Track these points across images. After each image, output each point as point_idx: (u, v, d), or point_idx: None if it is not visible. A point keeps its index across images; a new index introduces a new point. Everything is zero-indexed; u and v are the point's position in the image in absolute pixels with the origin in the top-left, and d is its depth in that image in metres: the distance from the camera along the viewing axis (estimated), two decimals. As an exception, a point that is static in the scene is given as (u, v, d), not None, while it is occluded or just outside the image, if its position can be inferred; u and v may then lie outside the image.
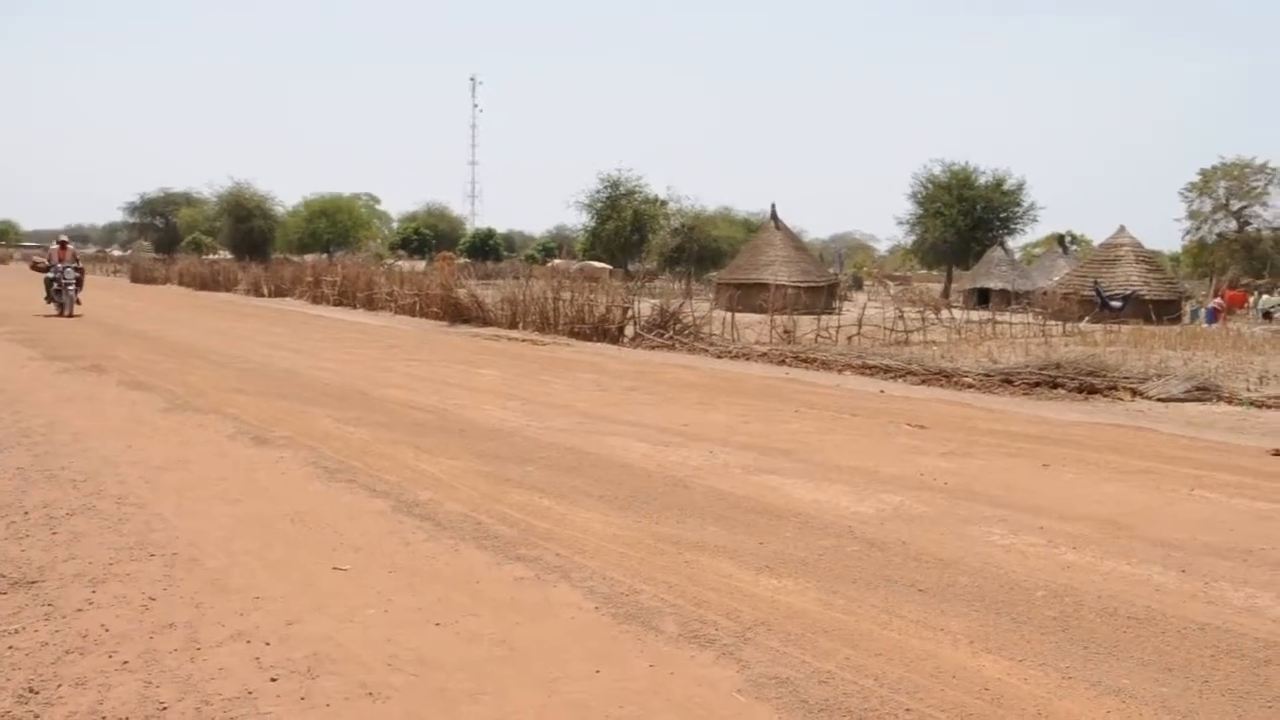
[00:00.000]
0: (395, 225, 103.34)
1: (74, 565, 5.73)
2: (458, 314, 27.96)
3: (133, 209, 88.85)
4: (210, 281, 50.10)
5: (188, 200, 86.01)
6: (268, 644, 4.64)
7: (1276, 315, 37.50)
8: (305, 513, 6.99)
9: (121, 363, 15.66)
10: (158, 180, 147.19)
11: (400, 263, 65.01)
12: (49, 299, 26.90)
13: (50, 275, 26.91)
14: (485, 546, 6.27)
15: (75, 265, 27.27)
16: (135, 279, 58.36)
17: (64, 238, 28.81)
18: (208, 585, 5.44)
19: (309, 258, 63.17)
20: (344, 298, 35.58)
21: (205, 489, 7.63)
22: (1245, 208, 58.80)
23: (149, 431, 9.96)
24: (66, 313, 26.06)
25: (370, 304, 33.81)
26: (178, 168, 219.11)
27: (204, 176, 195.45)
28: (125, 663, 4.43)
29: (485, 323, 26.85)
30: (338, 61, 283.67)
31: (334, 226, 74.89)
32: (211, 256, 73.46)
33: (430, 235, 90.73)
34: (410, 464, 8.67)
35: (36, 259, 28.51)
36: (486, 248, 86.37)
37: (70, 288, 26.46)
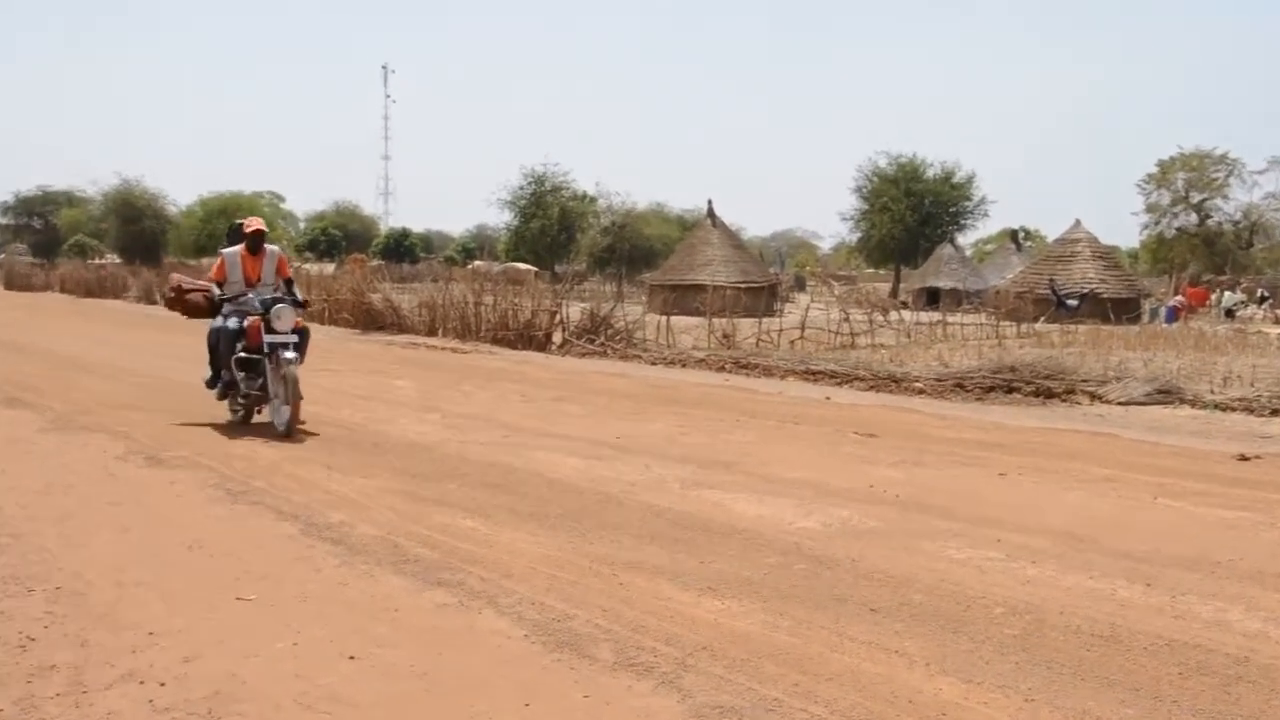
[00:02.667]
0: (302, 225, 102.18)
1: (-56, 602, 5.57)
2: (371, 320, 27.68)
3: (5, 209, 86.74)
4: (96, 288, 49.09)
5: (69, 200, 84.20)
6: (163, 684, 4.54)
7: (1239, 313, 38.41)
8: (205, 539, 6.86)
9: (-3, 378, 15.28)
10: (35, 177, 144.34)
11: (308, 266, 64.26)
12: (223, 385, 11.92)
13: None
14: (404, 571, 6.21)
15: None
16: (9, 286, 57.03)
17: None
18: (95, 621, 5.31)
19: (206, 261, 62.13)
20: (245, 304, 34.97)
21: (92, 515, 7.46)
22: (1205, 200, 60.15)
23: (25, 453, 9.73)
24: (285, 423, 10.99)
25: (274, 311, 33.29)
26: (58, 164, 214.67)
27: (87, 173, 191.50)
28: (0, 711, 4.30)
29: (401, 330, 26.61)
30: (235, 46, 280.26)
31: (234, 228, 73.84)
32: (98, 261, 72.06)
33: (340, 236, 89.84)
34: (320, 484, 8.57)
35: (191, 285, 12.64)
36: (402, 249, 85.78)
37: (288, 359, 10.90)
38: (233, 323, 11.02)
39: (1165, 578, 6.27)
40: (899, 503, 8.19)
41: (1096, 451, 10.69)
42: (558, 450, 10.19)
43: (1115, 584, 6.14)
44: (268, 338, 10.68)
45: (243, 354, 10.85)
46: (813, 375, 17.42)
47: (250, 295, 11.17)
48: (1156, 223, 61.88)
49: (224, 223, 72.22)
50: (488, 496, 8.19)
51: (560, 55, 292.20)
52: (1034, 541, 7.05)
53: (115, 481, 8.59)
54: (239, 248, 11.39)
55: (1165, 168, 60.74)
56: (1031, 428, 12.33)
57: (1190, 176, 60.04)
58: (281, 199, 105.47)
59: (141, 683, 4.55)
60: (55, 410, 12.19)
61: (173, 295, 12.14)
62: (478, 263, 54.58)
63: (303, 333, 11.12)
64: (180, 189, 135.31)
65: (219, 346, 11.12)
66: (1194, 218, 60.92)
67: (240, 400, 11.33)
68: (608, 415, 12.78)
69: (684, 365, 19.70)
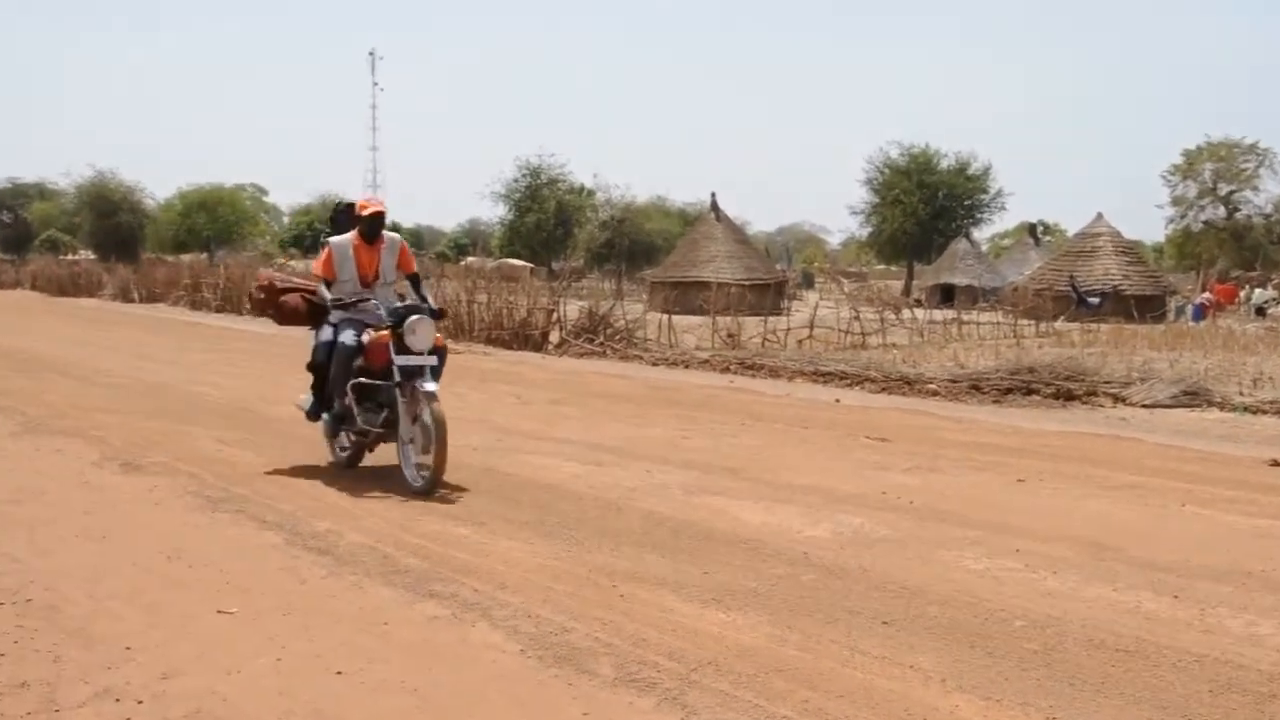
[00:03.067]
0: (286, 219, 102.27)
1: (-91, 615, 5.56)
2: (358, 319, 27.63)
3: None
4: (70, 285, 49.07)
5: (41, 193, 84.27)
6: (140, 702, 4.52)
7: (1270, 311, 38.37)
8: (184, 549, 6.84)
9: (-34, 379, 15.28)
10: (3, 169, 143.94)
11: (293, 262, 64.28)
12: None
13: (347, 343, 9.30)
14: (393, 582, 6.19)
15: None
16: (-23, 283, 57.06)
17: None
18: (69, 635, 5.30)
19: (186, 258, 62.19)
20: (228, 303, 35.03)
21: (65, 524, 7.44)
22: (1234, 192, 60.08)
23: (-2, 458, 9.72)
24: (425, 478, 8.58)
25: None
26: (28, 155, 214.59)
27: (60, 165, 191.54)
28: (-29, 727, 4.29)
29: (390, 329, 26.58)
30: (212, 31, 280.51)
31: (214, 222, 73.93)
32: (71, 257, 72.11)
33: (326, 231, 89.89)
34: (306, 490, 8.57)
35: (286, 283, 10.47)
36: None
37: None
38: (348, 336, 8.88)
39: (1194, 590, 6.25)
40: (913, 510, 8.18)
41: (1120, 456, 10.68)
42: (555, 455, 10.18)
43: (1141, 596, 6.12)
44: (399, 359, 8.40)
45: (363, 379, 8.78)
46: (822, 377, 17.43)
47: (371, 300, 9.03)
48: (1183, 216, 61.83)
49: (204, 217, 73.11)
50: (481, 503, 8.18)
51: (557, 41, 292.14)
52: (1055, 551, 7.04)
53: (90, 489, 8.58)
54: (350, 235, 9.20)
55: (1192, 158, 60.65)
56: (1051, 431, 12.32)
57: (1218, 167, 59.94)
58: (264, 192, 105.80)
59: (117, 700, 4.54)
60: (27, 414, 12.17)
61: (261, 296, 10.03)
62: (471, 259, 54.67)
63: (441, 353, 8.84)
64: (158, 182, 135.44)
65: (328, 366, 9.05)
66: (1222, 211, 60.85)
67: (351, 439, 9.38)
68: (607, 418, 12.78)
69: (687, 366, 19.69)
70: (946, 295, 49.46)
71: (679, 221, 66.76)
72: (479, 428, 11.73)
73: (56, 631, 5.35)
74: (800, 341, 23.71)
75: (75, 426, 11.36)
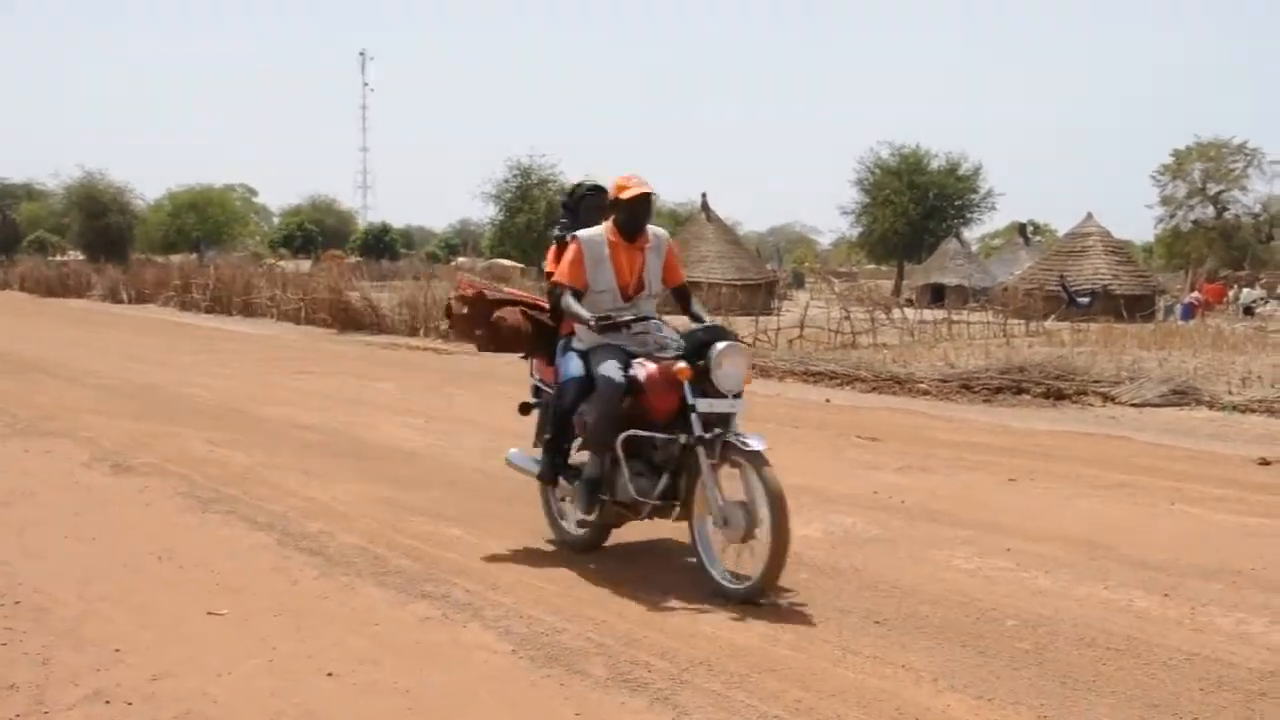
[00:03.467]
0: (276, 220, 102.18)
1: (-102, 617, 5.54)
2: (349, 320, 27.62)
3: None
4: (59, 286, 48.89)
5: (29, 193, 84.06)
6: (130, 704, 4.51)
7: (1259, 310, 38.50)
8: (175, 550, 6.83)
9: (-45, 381, 15.24)
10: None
11: (283, 263, 64.18)
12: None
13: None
14: (385, 583, 6.19)
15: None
16: (-36, 284, 56.85)
17: None
18: (58, 637, 5.28)
19: (175, 258, 61.98)
20: (218, 303, 34.96)
21: (54, 525, 7.42)
22: (1223, 192, 60.31)
23: (-13, 460, 9.69)
24: (752, 582, 5.99)
25: (249, 310, 33.30)
26: (15, 156, 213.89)
27: (48, 165, 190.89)
28: (-39, 730, 4.28)
29: (381, 330, 26.57)
30: (202, 29, 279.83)
31: (204, 222, 73.76)
32: (60, 258, 71.87)
33: (316, 231, 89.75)
34: (297, 491, 8.54)
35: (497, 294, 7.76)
36: (381, 245, 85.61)
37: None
38: (612, 369, 6.29)
39: (1185, 588, 6.26)
40: (904, 509, 8.19)
41: (1110, 455, 10.70)
42: (546, 455, 10.15)
43: (1132, 594, 6.14)
44: (703, 404, 6.00)
45: (640, 431, 6.28)
46: (812, 376, 17.41)
47: (652, 319, 6.70)
48: (1172, 216, 62.06)
49: (193, 218, 73.10)
50: (473, 504, 8.18)
51: (547, 41, 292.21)
52: (1046, 550, 7.05)
53: (80, 490, 8.56)
54: (604, 229, 6.67)
55: (1181, 158, 60.86)
56: (1042, 430, 12.34)
57: (1207, 167, 60.17)
58: (254, 192, 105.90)
59: (107, 702, 4.53)
60: (16, 415, 12.14)
61: (465, 310, 7.35)
62: (462, 259, 54.63)
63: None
64: (147, 182, 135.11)
65: (576, 408, 6.57)
66: (1211, 210, 61.06)
67: (610, 509, 6.56)
68: (598, 419, 12.74)
69: (678, 366, 19.63)
70: (937, 295, 49.45)
71: (670, 221, 66.63)
72: (471, 429, 11.72)
73: (46, 633, 5.34)
74: (791, 341, 23.70)
75: (65, 428, 11.32)
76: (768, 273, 47.25)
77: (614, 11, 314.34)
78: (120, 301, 41.85)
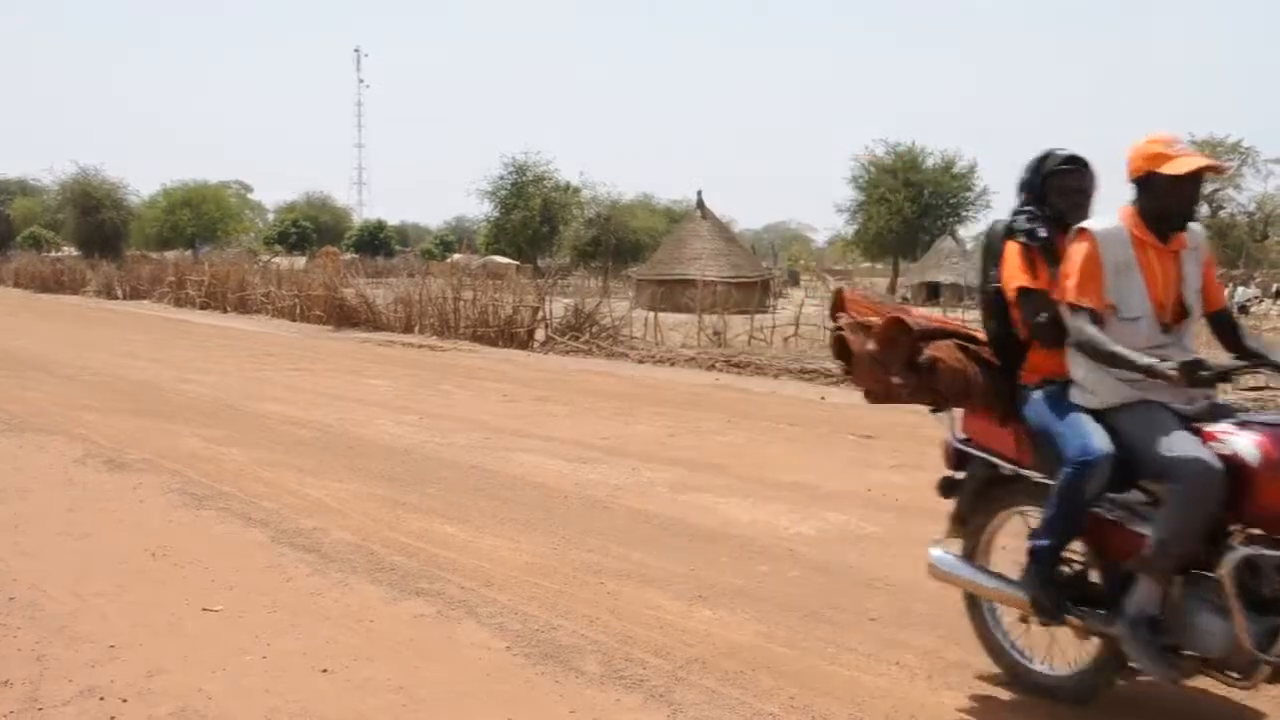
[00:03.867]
0: (270, 217, 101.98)
1: (-108, 614, 5.53)
2: (344, 317, 27.63)
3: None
4: (53, 282, 48.84)
5: (23, 189, 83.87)
6: (124, 700, 4.51)
7: (1253, 309, 38.50)
8: (169, 547, 6.82)
9: (-52, 377, 15.21)
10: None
11: (277, 259, 64.08)
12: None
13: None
14: (379, 580, 6.18)
15: None
16: (-42, 280, 56.76)
17: None
18: (52, 634, 5.28)
19: (170, 255, 61.80)
20: (212, 300, 34.96)
21: (48, 522, 7.41)
22: (1217, 191, 60.20)
23: (-20, 456, 9.68)
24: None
25: (243, 307, 33.28)
26: (10, 152, 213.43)
27: (42, 161, 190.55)
28: (-46, 726, 4.27)
29: (376, 326, 26.58)
30: (196, 27, 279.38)
31: (199, 219, 73.57)
32: (54, 254, 71.68)
33: (311, 228, 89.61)
34: (292, 488, 8.53)
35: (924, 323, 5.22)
36: (376, 242, 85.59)
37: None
38: (1193, 445, 4.02)
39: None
40: (899, 507, 8.19)
41: (1105, 453, 10.68)
42: (541, 453, 10.17)
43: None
44: None
45: (1266, 550, 3.85)
46: (807, 374, 17.41)
47: (1258, 365, 4.71)
48: (1168, 214, 61.94)
49: (188, 214, 73.05)
50: (468, 501, 8.17)
51: (543, 38, 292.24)
52: (1040, 547, 7.05)
53: (73, 486, 8.54)
54: (1126, 222, 4.46)
55: (1177, 156, 60.74)
56: (1037, 429, 12.32)
57: (1202, 165, 60.08)
58: (249, 188, 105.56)
59: (101, 699, 4.52)
60: (9, 411, 12.11)
61: (870, 348, 5.11)
62: (457, 256, 54.57)
63: None
64: (142, 178, 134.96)
65: (1098, 499, 4.30)
66: (1205, 209, 61.06)
67: (1187, 664, 4.09)
68: (593, 416, 12.76)
69: (673, 364, 19.68)
70: (932, 293, 49.50)
71: (665, 219, 66.65)
72: (466, 426, 11.72)
73: (40, 630, 5.33)
74: (786, 339, 23.69)
75: (58, 424, 11.30)
76: (763, 270, 47.23)
77: (611, 9, 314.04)
78: (115, 298, 41.80)
